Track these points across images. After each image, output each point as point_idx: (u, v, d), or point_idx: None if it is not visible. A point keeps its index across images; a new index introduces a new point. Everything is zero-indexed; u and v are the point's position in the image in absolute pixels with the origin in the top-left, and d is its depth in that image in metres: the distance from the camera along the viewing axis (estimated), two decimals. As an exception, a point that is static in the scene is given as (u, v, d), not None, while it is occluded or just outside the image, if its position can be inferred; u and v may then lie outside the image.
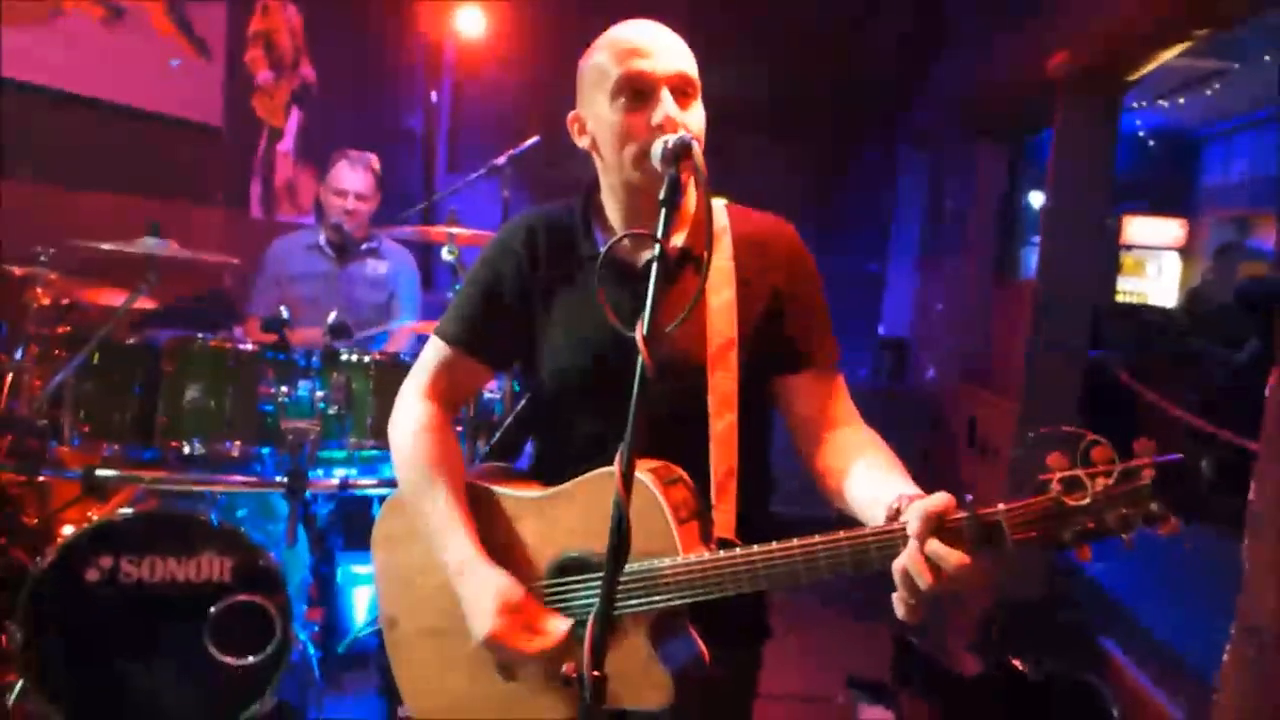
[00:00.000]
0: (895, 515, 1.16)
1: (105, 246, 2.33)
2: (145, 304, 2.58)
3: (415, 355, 2.67)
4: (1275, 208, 7.83)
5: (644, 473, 1.28)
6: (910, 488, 1.23)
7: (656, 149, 1.25)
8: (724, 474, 1.34)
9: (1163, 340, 5.08)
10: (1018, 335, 3.79)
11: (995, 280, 4.68)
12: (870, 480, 1.30)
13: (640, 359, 1.07)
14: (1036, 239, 3.85)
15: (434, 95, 6.02)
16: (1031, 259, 4.56)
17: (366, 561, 2.87)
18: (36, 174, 3.04)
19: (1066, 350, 3.48)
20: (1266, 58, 5.86)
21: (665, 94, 1.31)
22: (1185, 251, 9.24)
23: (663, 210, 1.16)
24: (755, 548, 1.20)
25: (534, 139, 3.26)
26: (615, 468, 1.17)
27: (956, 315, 4.91)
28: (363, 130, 4.99)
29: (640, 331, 1.07)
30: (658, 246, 1.13)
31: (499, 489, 1.43)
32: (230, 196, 4.29)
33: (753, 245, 1.43)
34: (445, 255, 2.62)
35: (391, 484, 2.52)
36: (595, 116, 1.37)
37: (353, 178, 3.29)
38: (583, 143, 1.43)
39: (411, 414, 1.47)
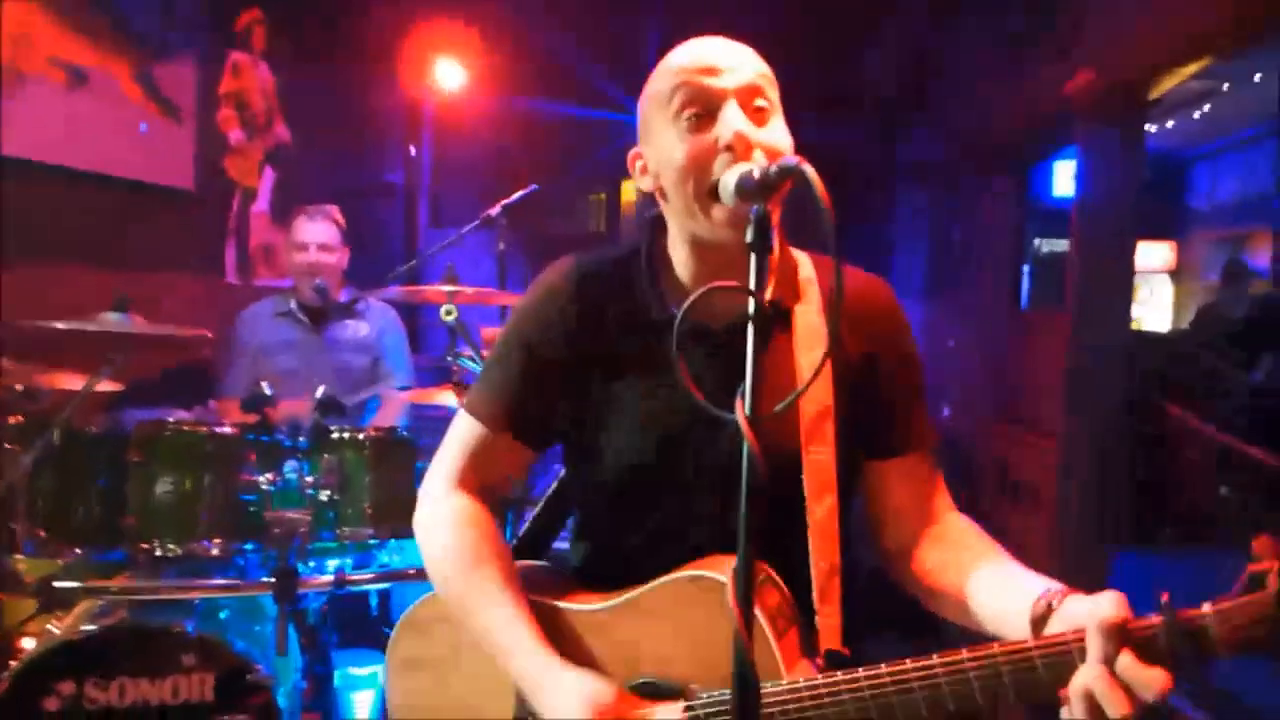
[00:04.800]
0: (1043, 618, 0.95)
1: (60, 326, 2.06)
2: (110, 386, 2.31)
3: (413, 428, 2.39)
4: (1266, 225, 7.78)
5: (728, 575, 1.03)
6: (1048, 583, 1.00)
7: (729, 178, 1.01)
8: (826, 571, 1.10)
9: (1181, 367, 4.92)
10: (1045, 367, 3.59)
11: (1013, 312, 4.49)
12: (995, 581, 1.08)
13: (744, 444, 0.82)
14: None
15: (413, 149, 5.84)
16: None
17: (365, 661, 2.58)
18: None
19: (1105, 382, 3.27)
20: (1257, 77, 5.79)
21: (732, 106, 1.08)
22: (1176, 274, 9.15)
23: (753, 256, 0.91)
24: (883, 667, 0.95)
25: (531, 187, 3.05)
26: (704, 572, 1.03)
27: (974, 349, 4.71)
28: (341, 187, 4.78)
29: (741, 411, 0.83)
30: (752, 303, 0.88)
31: (551, 601, 1.17)
32: (204, 262, 4.07)
33: (847, 306, 1.20)
34: (443, 316, 2.37)
35: (393, 576, 2.25)
36: (657, 149, 1.15)
37: (312, 229, 3.06)
38: (644, 184, 1.20)
39: (444, 509, 1.23)
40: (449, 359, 2.54)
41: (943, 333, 5.14)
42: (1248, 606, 0.83)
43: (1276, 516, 3.91)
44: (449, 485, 1.24)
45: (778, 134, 1.11)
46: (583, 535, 1.33)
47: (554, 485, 1.44)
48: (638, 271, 1.22)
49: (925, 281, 5.51)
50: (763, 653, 1.00)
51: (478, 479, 1.25)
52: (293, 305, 3.09)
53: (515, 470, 1.29)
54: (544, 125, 5.87)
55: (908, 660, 0.94)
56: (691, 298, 0.91)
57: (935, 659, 0.93)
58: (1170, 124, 7.21)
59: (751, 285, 0.89)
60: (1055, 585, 0.99)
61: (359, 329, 3.11)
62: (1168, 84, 3.12)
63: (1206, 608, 0.85)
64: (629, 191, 7.28)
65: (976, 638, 1.07)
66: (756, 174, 0.95)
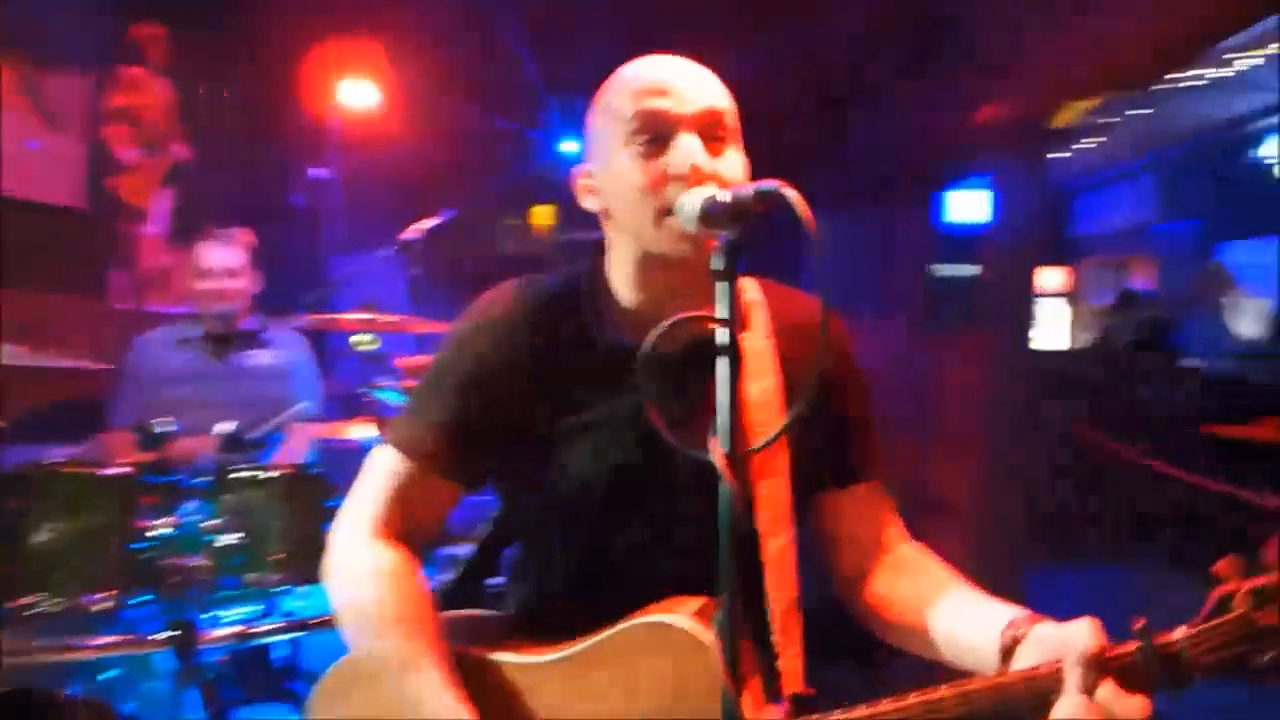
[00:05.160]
0: (1011, 648, 0.93)
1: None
2: (-18, 424, 2.10)
3: (323, 464, 2.25)
4: (1147, 252, 8.27)
5: (689, 620, 0.98)
6: (1011, 609, 0.98)
7: (691, 201, 0.96)
8: (785, 608, 1.04)
9: (1081, 385, 5.13)
10: (958, 387, 3.66)
11: (924, 334, 4.59)
12: (956, 611, 1.05)
13: (705, 480, 0.76)
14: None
15: (319, 171, 5.63)
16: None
17: (270, 718, 2.41)
18: None
19: (1017, 400, 3.37)
20: (1140, 113, 6.14)
21: (686, 136, 1.03)
22: (1070, 297, 9.61)
23: (720, 284, 0.86)
24: (862, 708, 0.90)
25: (451, 211, 2.95)
26: (660, 618, 0.98)
27: (884, 370, 4.80)
28: (242, 209, 4.57)
29: (716, 449, 0.77)
30: (725, 334, 0.83)
31: (489, 655, 1.08)
32: (93, 285, 3.79)
33: (795, 328, 1.16)
34: (360, 345, 2.24)
35: (303, 625, 2.10)
36: (606, 169, 1.09)
37: (218, 255, 2.87)
38: (590, 204, 1.14)
39: (361, 559, 1.11)
40: (364, 390, 2.41)
41: (856, 355, 5.22)
42: (1220, 628, 0.83)
43: (1178, 530, 4.10)
44: (367, 530, 1.13)
45: (733, 166, 1.07)
46: (523, 576, 1.24)
47: (488, 523, 1.35)
48: (582, 296, 1.16)
49: (837, 304, 5.59)
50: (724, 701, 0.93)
51: (401, 523, 1.13)
52: (196, 332, 2.90)
53: (443, 512, 1.18)
54: (457, 147, 5.76)
55: (884, 701, 0.90)
56: (662, 326, 0.84)
57: (912, 698, 0.89)
58: (1059, 156, 7.58)
59: (724, 315, 0.83)
60: (1020, 612, 0.97)
61: (265, 359, 2.94)
62: (1070, 116, 3.25)
63: (1180, 632, 0.84)
64: (542, 215, 7.22)
65: (928, 667, 1.04)
66: (727, 198, 0.90)
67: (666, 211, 1.02)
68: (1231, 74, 5.14)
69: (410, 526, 1.14)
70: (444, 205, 3.03)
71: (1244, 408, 4.41)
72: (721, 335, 0.85)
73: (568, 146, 6.85)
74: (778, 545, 1.06)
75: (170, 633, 1.88)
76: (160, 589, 1.94)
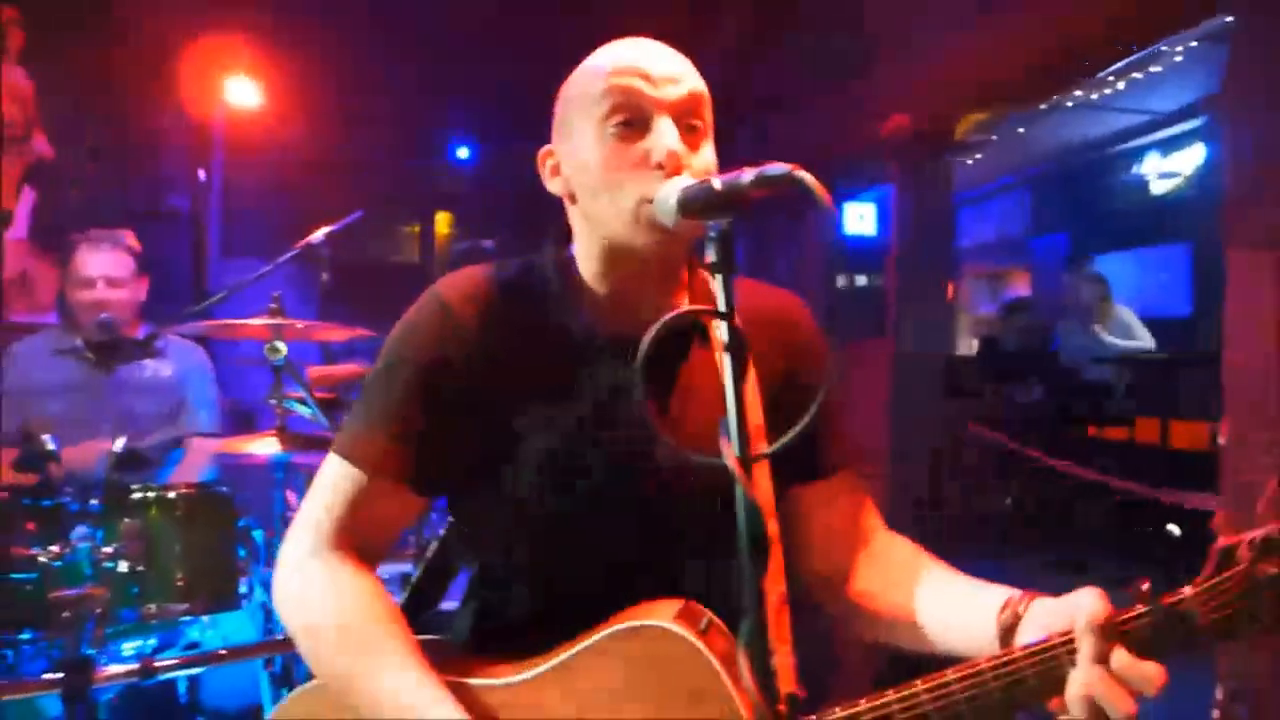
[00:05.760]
0: (1012, 627, 0.92)
1: None
2: None
3: (228, 481, 2.08)
4: (1023, 264, 8.75)
5: (674, 624, 0.93)
6: (1005, 590, 0.98)
7: (669, 191, 0.92)
8: (777, 604, 1.00)
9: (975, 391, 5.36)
10: (867, 395, 3.74)
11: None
12: (947, 596, 1.04)
13: (738, 484, 0.73)
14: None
15: (202, 173, 5.31)
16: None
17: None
18: None
19: (925, 405, 3.47)
20: (1019, 130, 6.47)
21: (667, 121, 0.99)
22: (950, 307, 10.06)
23: (717, 278, 0.82)
24: (862, 703, 0.88)
25: (356, 213, 2.81)
26: (646, 622, 0.93)
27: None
28: (116, 211, 4.25)
29: (729, 450, 0.72)
30: (726, 329, 0.78)
31: (458, 679, 0.99)
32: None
33: (765, 322, 1.12)
34: (268, 354, 2.09)
35: (208, 658, 1.93)
36: (575, 151, 1.04)
37: (99, 261, 2.65)
38: (555, 186, 1.09)
39: (317, 575, 1.02)
40: (273, 402, 2.25)
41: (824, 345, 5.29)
42: (1226, 583, 0.83)
43: (1066, 526, 4.31)
44: (320, 546, 1.04)
45: (708, 159, 1.04)
46: (478, 595, 1.16)
47: (436, 541, 1.26)
48: (545, 285, 1.09)
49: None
50: (727, 708, 0.89)
51: (356, 536, 1.05)
52: (76, 342, 2.65)
53: (401, 524, 1.11)
54: (349, 150, 5.53)
55: (888, 691, 0.87)
56: (665, 320, 0.79)
57: (919, 684, 0.86)
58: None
59: (724, 309, 0.79)
60: (1014, 591, 0.96)
61: (158, 369, 2.72)
62: (969, 129, 3.38)
63: (1187, 590, 0.83)
64: (440, 222, 7.04)
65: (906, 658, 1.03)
66: (718, 186, 0.86)
67: (642, 200, 0.98)
68: (1098, 96, 5.49)
69: (366, 540, 1.06)
70: (343, 210, 2.88)
71: (1118, 410, 4.71)
72: (722, 331, 0.81)
73: (461, 150, 6.72)
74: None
75: (59, 673, 1.69)
76: (46, 624, 1.74)
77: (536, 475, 1.03)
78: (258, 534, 2.25)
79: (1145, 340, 5.12)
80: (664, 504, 1.03)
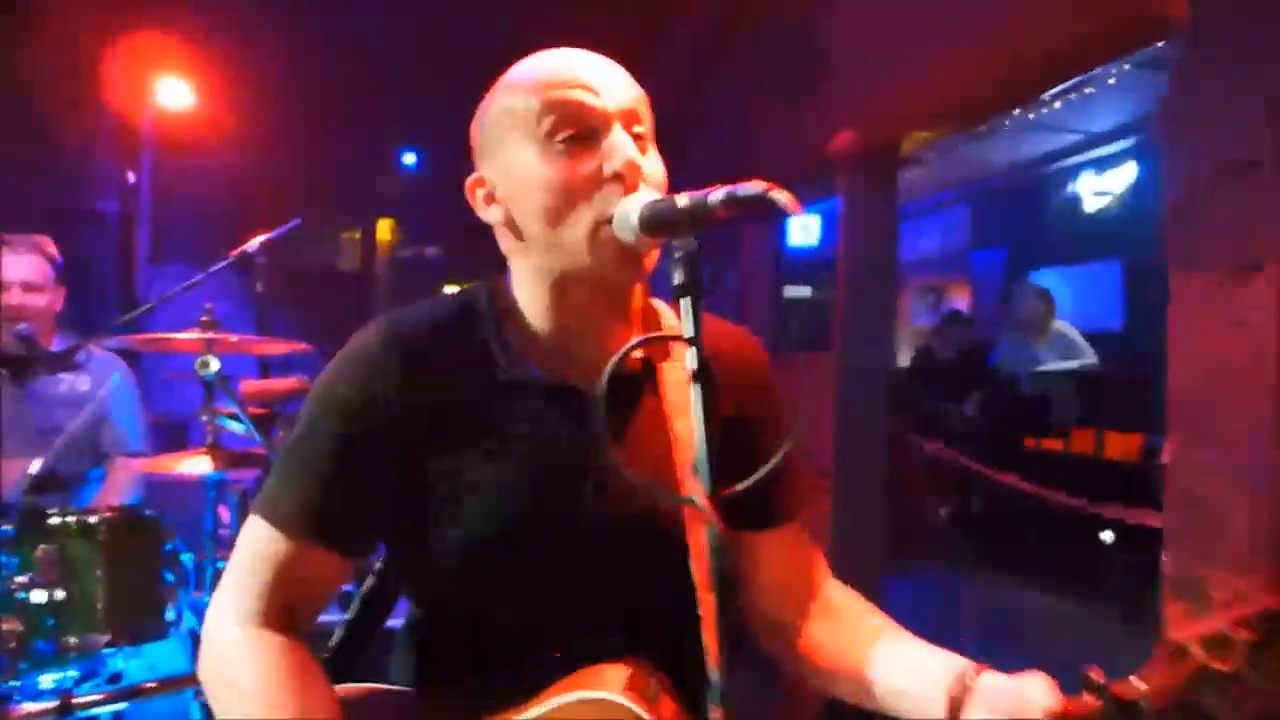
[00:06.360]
0: (960, 698, 0.90)
1: None
2: None
3: (154, 504, 1.99)
4: (962, 277, 8.94)
5: (623, 696, 0.89)
6: (951, 658, 0.95)
7: (630, 207, 0.88)
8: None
9: (914, 403, 5.43)
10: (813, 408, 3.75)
11: (777, 355, 4.71)
12: (897, 658, 1.01)
13: (710, 527, 0.68)
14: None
15: (131, 175, 5.11)
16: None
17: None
18: None
19: (870, 418, 3.49)
20: (960, 147, 6.60)
21: (619, 130, 0.94)
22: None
23: (684, 302, 0.77)
24: None
25: (294, 221, 2.71)
26: (597, 694, 0.89)
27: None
28: (37, 214, 4.05)
29: (699, 491, 0.68)
30: (695, 356, 0.74)
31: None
32: None
33: (716, 358, 1.08)
34: (199, 369, 2.00)
35: (132, 692, 1.83)
36: (511, 172, 0.97)
37: (14, 265, 2.52)
38: (489, 215, 1.01)
39: (241, 647, 0.94)
40: (203, 418, 2.15)
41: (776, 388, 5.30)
42: (1178, 680, 0.81)
43: (1006, 536, 4.39)
44: (243, 613, 0.96)
45: (659, 166, 0.99)
46: (418, 640, 1.09)
47: (363, 590, 1.19)
48: (478, 324, 1.02)
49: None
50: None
51: (283, 601, 0.97)
52: (-14, 352, 2.51)
53: (334, 584, 1.02)
54: (288, 154, 5.38)
55: None
56: (625, 350, 0.75)
57: None
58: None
59: (691, 334, 0.75)
60: (962, 661, 0.94)
61: (77, 384, 2.58)
62: (914, 145, 3.42)
63: (1136, 683, 0.82)
64: (382, 230, 6.89)
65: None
66: (685, 202, 0.81)
67: (600, 219, 0.92)
68: (1035, 116, 5.63)
69: (295, 603, 0.98)
70: (281, 216, 2.78)
71: (1056, 421, 4.81)
72: (692, 358, 0.77)
73: (405, 155, 6.60)
74: (712, 598, 0.98)
75: (-33, 713, 1.58)
76: (-47, 660, 1.62)
77: (477, 525, 0.97)
78: (187, 557, 2.15)
79: (1088, 355, 5.24)
80: (610, 550, 0.98)
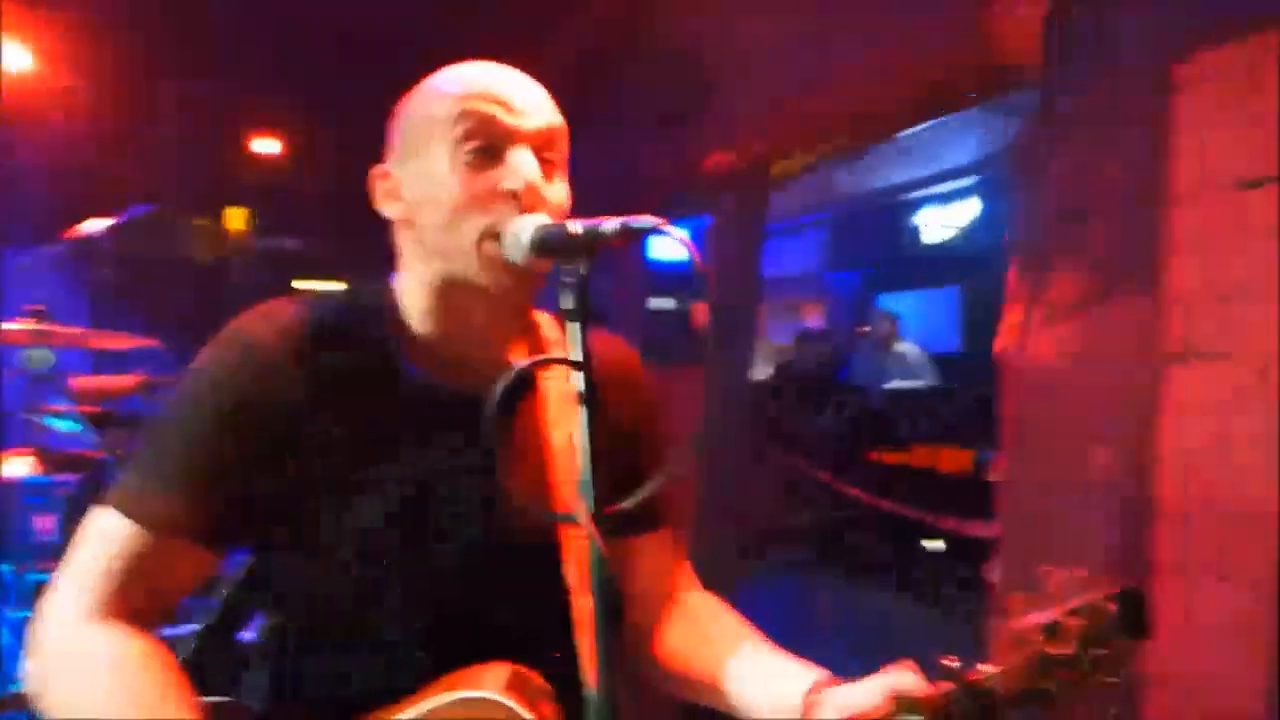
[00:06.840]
0: (813, 706, 0.93)
1: None
2: None
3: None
4: (815, 297, 9.37)
5: (503, 695, 0.90)
6: (812, 672, 0.99)
7: (523, 229, 0.89)
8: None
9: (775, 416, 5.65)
10: (678, 419, 3.83)
11: (647, 367, 4.79)
12: (753, 666, 1.05)
13: (593, 544, 0.70)
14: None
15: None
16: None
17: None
18: None
19: (734, 430, 3.60)
20: (820, 173, 6.91)
21: (525, 152, 0.96)
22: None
23: (573, 325, 0.80)
24: None
25: (143, 208, 2.55)
26: (477, 693, 0.89)
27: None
28: None
29: (581, 508, 0.70)
30: (582, 379, 0.76)
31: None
32: None
33: (597, 369, 1.11)
34: (30, 363, 1.85)
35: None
36: (420, 175, 0.98)
37: None
38: (390, 210, 1.02)
39: (87, 645, 0.88)
40: (28, 415, 1.99)
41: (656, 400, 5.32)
42: (1022, 665, 0.90)
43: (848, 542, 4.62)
44: (94, 610, 0.90)
45: (561, 194, 1.01)
46: (277, 656, 1.05)
47: (225, 595, 1.14)
48: (370, 324, 1.02)
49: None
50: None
51: (132, 601, 0.92)
52: None
53: (194, 582, 0.98)
54: (136, 133, 5.02)
55: None
56: (520, 367, 0.76)
57: None
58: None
59: (578, 358, 0.77)
60: (822, 673, 0.98)
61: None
62: (782, 169, 3.57)
63: (984, 669, 0.89)
64: (236, 219, 6.55)
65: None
66: (578, 230, 0.83)
67: (487, 232, 0.94)
68: (890, 145, 5.98)
69: (152, 601, 0.93)
70: (127, 199, 2.62)
71: (899, 435, 5.11)
72: (579, 381, 0.79)
73: (262, 142, 6.30)
74: (587, 603, 1.00)
75: None
76: None
77: (354, 529, 0.96)
78: (4, 567, 1.97)
79: (929, 375, 5.59)
80: (490, 560, 0.99)
